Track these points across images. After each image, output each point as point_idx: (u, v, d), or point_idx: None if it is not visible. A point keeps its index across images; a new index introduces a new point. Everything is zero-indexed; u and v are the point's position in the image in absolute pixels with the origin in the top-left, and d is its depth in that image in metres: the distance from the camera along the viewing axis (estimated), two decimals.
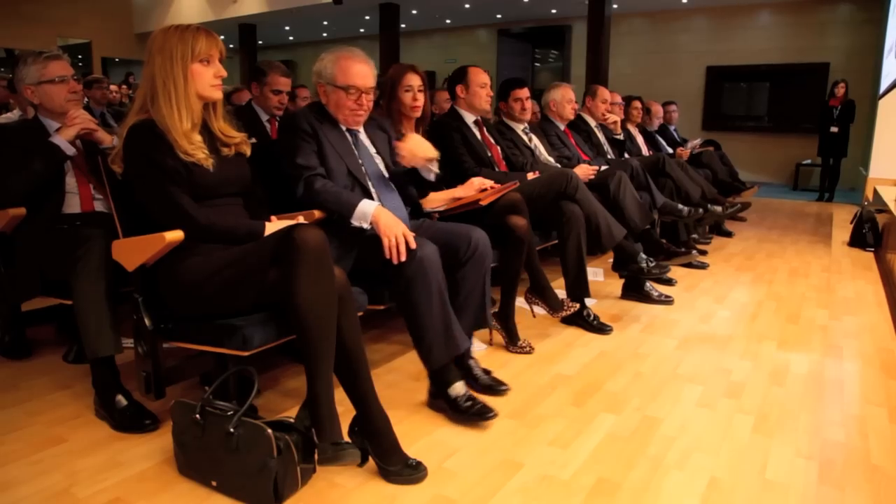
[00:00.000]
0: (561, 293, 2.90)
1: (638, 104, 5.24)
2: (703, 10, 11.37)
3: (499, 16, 12.80)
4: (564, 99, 3.88)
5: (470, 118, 3.13)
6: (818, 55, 10.58)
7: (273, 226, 1.74)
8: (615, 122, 4.46)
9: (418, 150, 2.19)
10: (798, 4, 10.57)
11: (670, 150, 5.57)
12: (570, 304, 2.73)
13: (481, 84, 3.05)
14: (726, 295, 3.60)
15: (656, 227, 3.86)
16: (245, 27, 13.53)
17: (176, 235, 1.63)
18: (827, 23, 10.60)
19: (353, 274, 1.89)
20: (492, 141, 3.25)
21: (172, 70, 1.70)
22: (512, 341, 2.62)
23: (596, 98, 4.40)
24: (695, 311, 3.28)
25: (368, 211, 2.02)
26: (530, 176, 2.97)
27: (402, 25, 12.33)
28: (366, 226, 2.03)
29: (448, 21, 13.43)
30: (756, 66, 11.02)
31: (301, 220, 1.82)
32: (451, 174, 2.77)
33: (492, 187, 2.56)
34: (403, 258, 1.91)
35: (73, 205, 2.29)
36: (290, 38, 15.82)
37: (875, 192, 6.25)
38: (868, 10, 9.99)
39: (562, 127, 3.92)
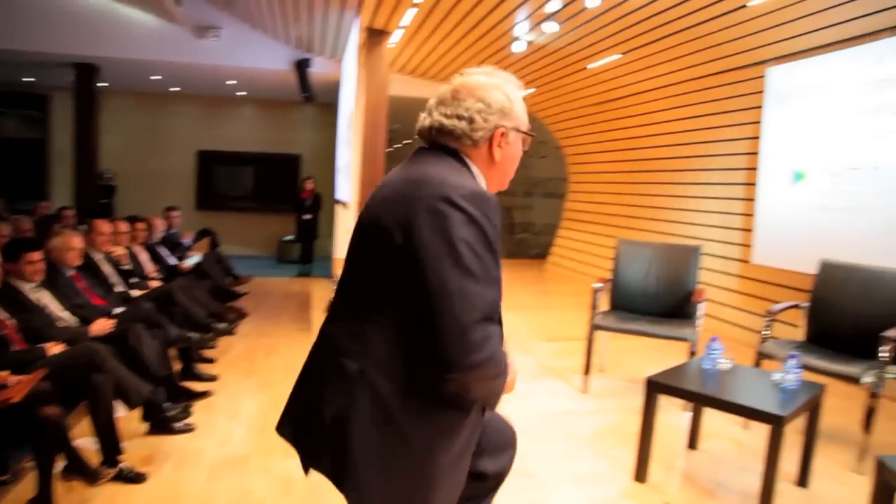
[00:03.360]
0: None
1: (142, 224, 5.55)
2: (192, 97, 12.18)
3: None
4: (65, 248, 3.94)
5: None
6: (292, 147, 12.61)
7: None
8: (122, 254, 4.69)
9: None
10: (274, 102, 12.37)
11: (174, 261, 6.04)
12: (107, 472, 2.96)
13: None
14: (238, 409, 4.20)
15: (172, 364, 4.23)
16: None
17: None
18: (297, 121, 12.73)
19: None
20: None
21: None
22: None
23: (93, 233, 4.48)
24: (215, 435, 3.76)
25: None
26: (53, 350, 3.08)
27: None
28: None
29: None
30: (242, 152, 12.40)
31: None
32: None
33: (18, 382, 2.62)
34: None
35: None
36: None
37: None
38: (327, 114, 12.42)
39: (69, 273, 3.98)
